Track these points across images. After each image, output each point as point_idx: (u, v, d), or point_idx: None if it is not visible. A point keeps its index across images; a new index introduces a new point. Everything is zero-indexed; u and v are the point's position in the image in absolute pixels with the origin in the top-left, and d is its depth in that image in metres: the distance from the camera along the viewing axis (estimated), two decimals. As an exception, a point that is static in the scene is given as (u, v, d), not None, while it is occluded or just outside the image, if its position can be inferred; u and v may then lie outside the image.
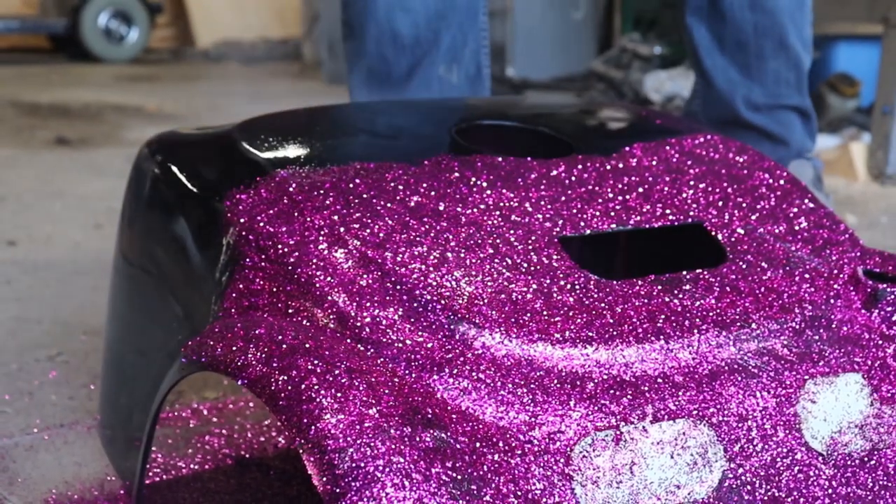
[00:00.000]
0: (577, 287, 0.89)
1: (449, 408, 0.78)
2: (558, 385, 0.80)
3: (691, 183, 1.06)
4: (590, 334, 0.84)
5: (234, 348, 0.80)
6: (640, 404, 0.80)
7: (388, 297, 0.85)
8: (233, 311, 0.90)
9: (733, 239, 1.00)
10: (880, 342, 0.91)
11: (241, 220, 0.94)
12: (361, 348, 0.82)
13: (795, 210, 1.05)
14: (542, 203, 0.99)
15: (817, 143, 1.99)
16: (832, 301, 0.93)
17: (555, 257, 0.92)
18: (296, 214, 0.92)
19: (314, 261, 0.89)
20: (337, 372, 0.76)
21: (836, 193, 2.94)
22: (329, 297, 0.86)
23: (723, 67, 1.72)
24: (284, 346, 0.79)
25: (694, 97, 1.85)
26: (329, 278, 0.87)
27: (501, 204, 0.97)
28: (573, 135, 1.16)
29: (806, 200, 1.06)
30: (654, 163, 1.09)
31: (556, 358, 0.82)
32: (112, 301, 1.18)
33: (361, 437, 0.71)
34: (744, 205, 1.04)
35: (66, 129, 4.07)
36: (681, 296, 0.90)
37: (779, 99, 1.72)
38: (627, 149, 1.11)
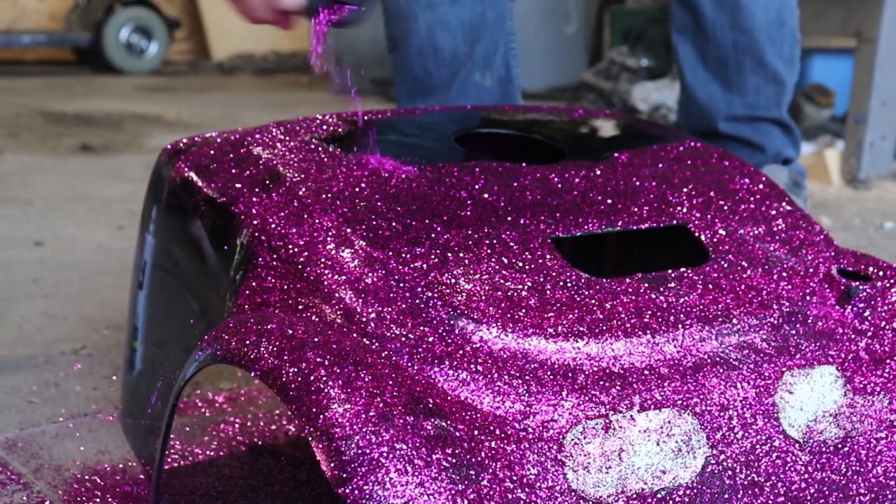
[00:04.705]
0: (569, 285, 0.89)
1: (449, 398, 0.78)
2: (551, 376, 0.80)
3: (676, 187, 1.06)
4: (581, 329, 0.84)
5: (248, 342, 0.80)
6: (628, 394, 0.80)
7: (391, 294, 0.85)
8: (246, 307, 0.90)
9: (715, 239, 1.00)
10: (853, 336, 0.91)
11: (254, 222, 0.93)
12: (367, 342, 0.82)
13: (774, 213, 1.05)
14: (536, 206, 0.99)
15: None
16: (808, 298, 0.93)
17: (548, 257, 0.92)
18: (305, 216, 0.92)
19: (322, 260, 0.89)
20: (344, 364, 0.76)
21: (811, 197, 2.93)
22: (336, 294, 0.86)
23: (705, 82, 1.73)
24: (294, 340, 0.79)
25: (679, 110, 1.86)
26: (336, 276, 0.87)
27: (498, 207, 0.97)
28: (565, 142, 1.16)
29: (783, 203, 1.06)
30: (640, 168, 1.09)
31: (550, 351, 0.82)
32: (133, 298, 1.18)
33: (367, 426, 0.71)
34: (725, 208, 1.04)
35: (89, 136, 4.07)
36: (666, 293, 0.90)
37: (758, 111, 1.73)
38: (616, 155, 1.11)
